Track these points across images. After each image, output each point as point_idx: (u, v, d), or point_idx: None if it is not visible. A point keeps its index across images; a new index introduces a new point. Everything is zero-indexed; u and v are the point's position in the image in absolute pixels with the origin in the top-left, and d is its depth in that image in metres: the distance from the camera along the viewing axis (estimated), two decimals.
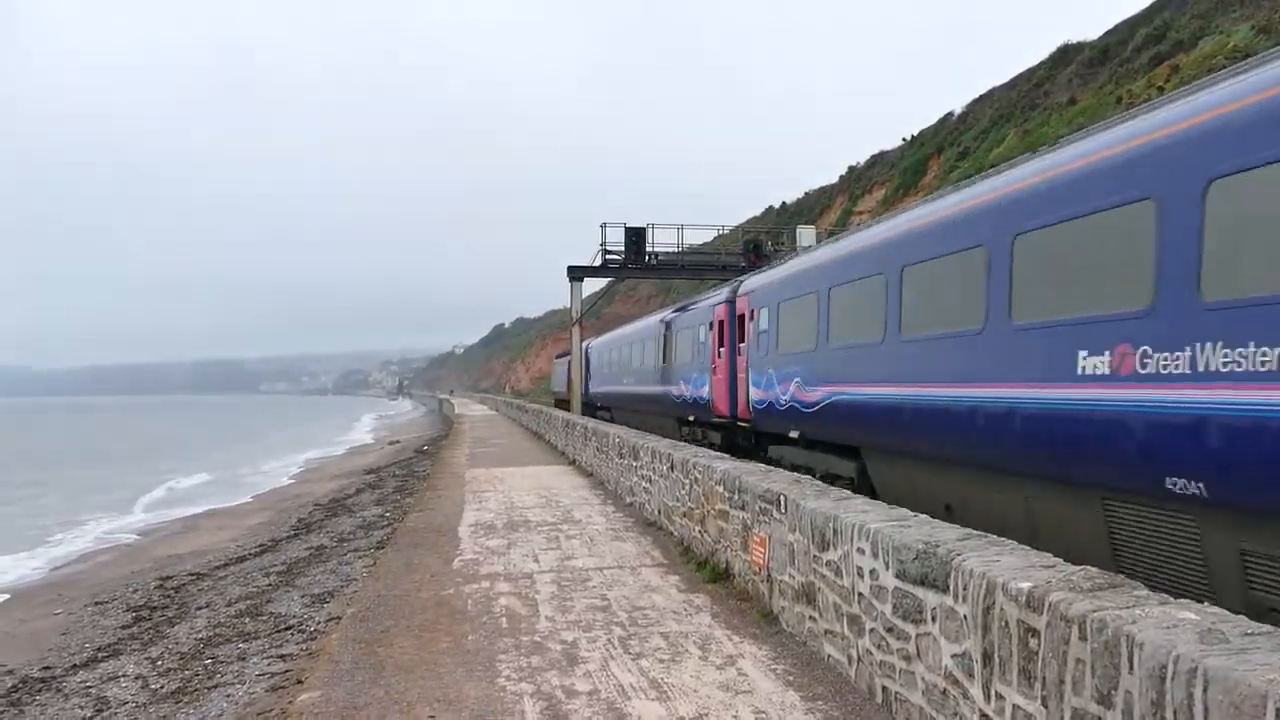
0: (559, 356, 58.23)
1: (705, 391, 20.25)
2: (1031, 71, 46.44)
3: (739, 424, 18.08)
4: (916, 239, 10.51)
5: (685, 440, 19.31)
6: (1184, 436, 6.30)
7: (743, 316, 17.80)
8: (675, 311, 25.37)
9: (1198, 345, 6.15)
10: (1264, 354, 5.61)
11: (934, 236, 10.01)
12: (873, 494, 11.08)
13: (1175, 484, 6.37)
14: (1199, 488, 6.18)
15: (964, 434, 9.14)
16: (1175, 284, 6.30)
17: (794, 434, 14.58)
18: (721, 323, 19.20)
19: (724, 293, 19.71)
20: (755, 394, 16.50)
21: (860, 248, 12.37)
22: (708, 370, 20.10)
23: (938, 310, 9.86)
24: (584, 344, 36.94)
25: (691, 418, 21.80)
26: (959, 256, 9.32)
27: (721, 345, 19.14)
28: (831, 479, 11.62)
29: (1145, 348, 6.64)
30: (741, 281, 19.29)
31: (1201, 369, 6.08)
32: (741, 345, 17.81)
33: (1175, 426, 6.35)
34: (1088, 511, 7.52)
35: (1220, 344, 5.95)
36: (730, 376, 18.42)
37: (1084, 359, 7.29)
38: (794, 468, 13.40)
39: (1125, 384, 6.84)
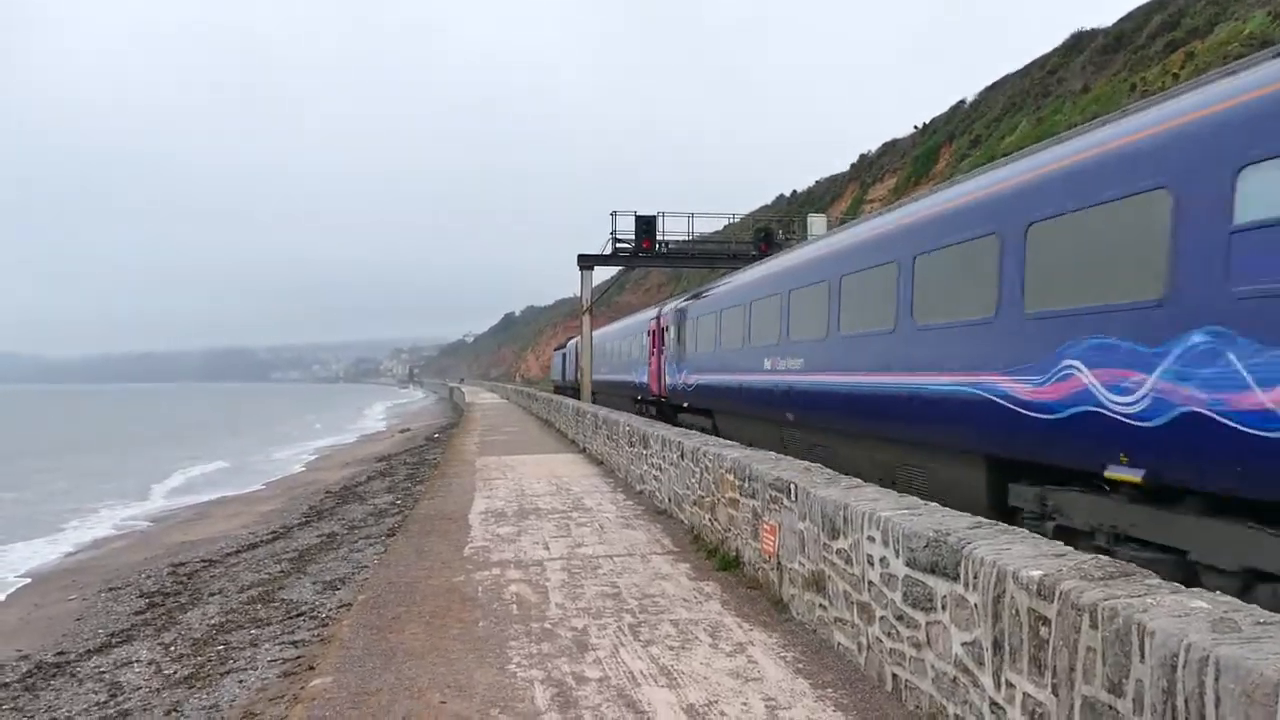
0: (557, 348, 65.40)
1: (645, 378, 28.59)
2: (1045, 59, 46.05)
3: (661, 399, 26.17)
4: (732, 292, 19.00)
5: (638, 413, 25.61)
6: (794, 396, 13.97)
7: (664, 329, 25.84)
8: (631, 321, 34.08)
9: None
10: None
11: (736, 294, 18.60)
12: (722, 436, 17.32)
13: (789, 416, 14.48)
14: (790, 416, 14.39)
15: (745, 399, 17.37)
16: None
17: (685, 405, 23.07)
18: (653, 332, 27.42)
19: (655, 312, 28.26)
20: (669, 380, 24.88)
21: (711, 296, 21.14)
22: (647, 364, 28.29)
23: (731, 335, 18.46)
24: (571, 342, 44.23)
25: (640, 396, 29.91)
26: (742, 307, 17.80)
27: (654, 347, 27.07)
28: (702, 429, 18.43)
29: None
30: (665, 304, 28.23)
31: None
32: (663, 347, 25.81)
33: (788, 391, 14.30)
34: (777, 432, 15.26)
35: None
36: (659, 368, 26.34)
37: (765, 362, 15.85)
38: (687, 424, 21.22)
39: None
